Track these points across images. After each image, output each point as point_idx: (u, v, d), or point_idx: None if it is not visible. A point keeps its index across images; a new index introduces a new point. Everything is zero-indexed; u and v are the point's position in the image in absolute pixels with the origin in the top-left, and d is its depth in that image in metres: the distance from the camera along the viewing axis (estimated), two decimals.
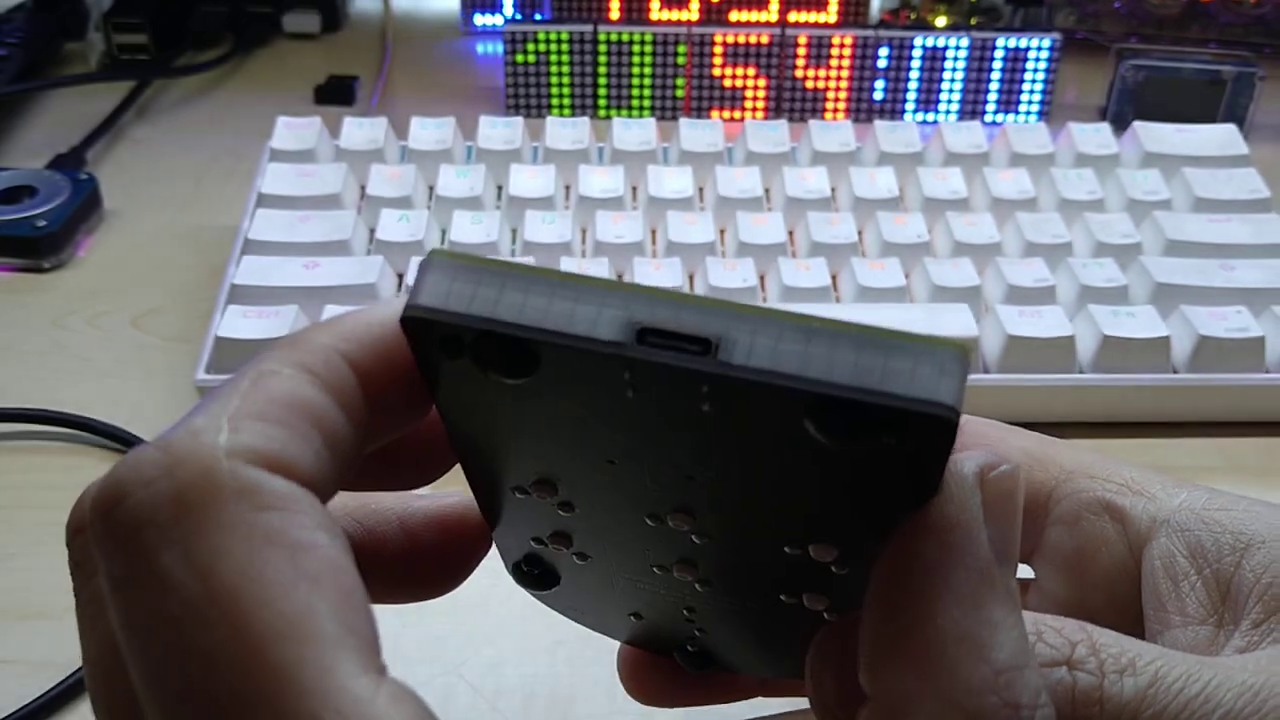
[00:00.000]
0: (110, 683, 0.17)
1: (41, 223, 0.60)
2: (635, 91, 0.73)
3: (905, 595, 0.18)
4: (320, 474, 0.17)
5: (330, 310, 0.51)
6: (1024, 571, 0.25)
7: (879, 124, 0.64)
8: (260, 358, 0.18)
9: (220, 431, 0.16)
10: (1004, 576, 0.18)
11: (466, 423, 0.20)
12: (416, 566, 0.23)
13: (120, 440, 0.49)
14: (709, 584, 0.23)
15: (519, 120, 0.64)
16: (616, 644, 0.30)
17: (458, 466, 0.23)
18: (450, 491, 0.24)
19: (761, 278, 0.55)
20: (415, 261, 0.55)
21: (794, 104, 0.73)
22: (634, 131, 0.63)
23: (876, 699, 0.19)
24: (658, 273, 0.54)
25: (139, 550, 0.16)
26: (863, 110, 0.73)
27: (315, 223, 0.56)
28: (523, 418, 0.19)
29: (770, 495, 0.19)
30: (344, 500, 0.20)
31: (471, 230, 0.56)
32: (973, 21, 0.78)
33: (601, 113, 0.73)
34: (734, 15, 0.77)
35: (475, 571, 0.25)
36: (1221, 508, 0.24)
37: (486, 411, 0.19)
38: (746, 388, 0.16)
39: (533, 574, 0.25)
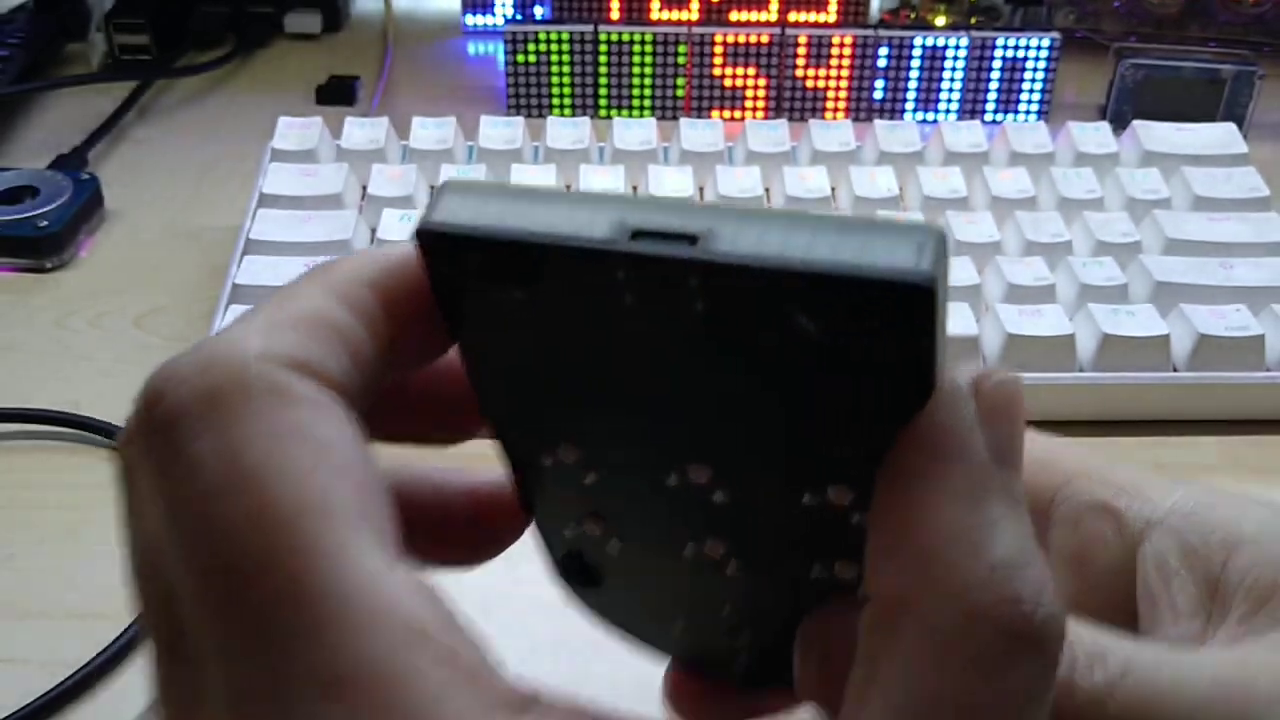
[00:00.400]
0: (151, 580, 0.18)
1: (43, 223, 0.60)
2: (636, 91, 0.73)
3: (902, 498, 0.18)
4: (345, 381, 0.18)
5: None
6: None
7: (879, 123, 0.64)
8: (289, 283, 0.20)
9: (251, 338, 0.18)
10: (1003, 478, 0.18)
11: (483, 360, 0.21)
12: (447, 534, 0.23)
13: None
14: (739, 559, 0.23)
15: (520, 120, 0.64)
16: (620, 643, 0.30)
17: (490, 458, 0.23)
18: (487, 470, 0.25)
19: None
20: None
21: (794, 103, 0.73)
22: (634, 131, 0.63)
23: (875, 601, 0.19)
24: None
25: (175, 441, 0.17)
26: (862, 110, 0.73)
27: (317, 223, 0.56)
28: (533, 348, 0.20)
29: (773, 421, 0.19)
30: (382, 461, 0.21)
31: None
32: (972, 21, 0.78)
33: (602, 113, 0.73)
34: (734, 15, 0.78)
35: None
36: (1211, 506, 0.24)
37: (500, 342, 0.20)
38: (732, 274, 0.17)
39: (574, 570, 0.25)
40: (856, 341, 0.17)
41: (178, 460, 0.17)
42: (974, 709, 0.17)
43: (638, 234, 0.17)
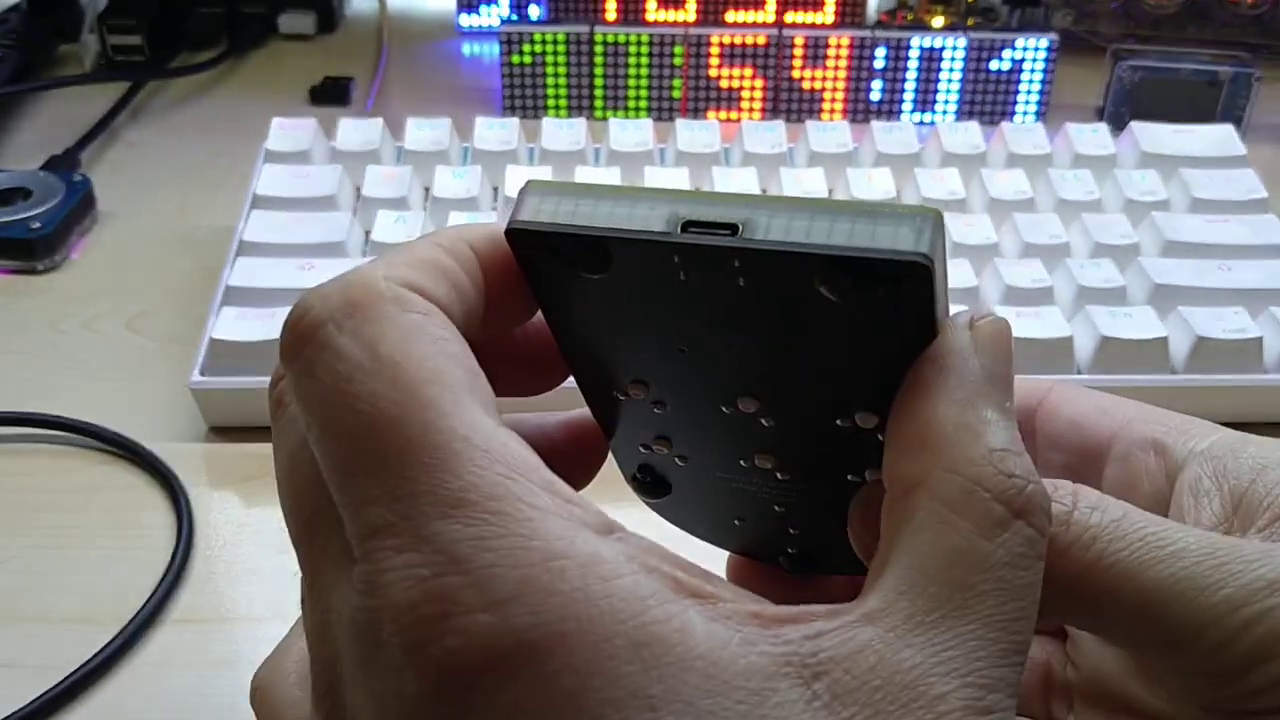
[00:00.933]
0: (295, 479, 0.22)
1: (36, 225, 0.59)
2: (632, 92, 0.73)
3: (913, 403, 0.22)
4: (448, 305, 0.22)
5: None
6: None
7: (876, 125, 0.64)
8: (404, 243, 0.24)
9: (378, 268, 0.22)
10: (996, 392, 0.22)
11: (566, 322, 0.25)
12: (551, 463, 0.25)
13: (115, 444, 0.49)
14: (787, 470, 0.26)
15: (515, 121, 0.64)
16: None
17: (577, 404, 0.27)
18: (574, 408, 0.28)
19: None
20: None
21: (791, 104, 0.73)
22: (631, 132, 0.63)
23: (892, 487, 0.22)
24: None
25: (321, 340, 0.21)
26: (860, 111, 0.73)
27: (310, 224, 0.56)
28: (607, 313, 0.24)
29: (809, 364, 0.23)
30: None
31: None
32: (970, 22, 0.78)
33: (598, 113, 0.73)
34: (730, 16, 0.77)
35: None
36: (1250, 441, 0.27)
37: (579, 309, 0.24)
38: (766, 258, 0.21)
39: (647, 482, 0.29)
40: (872, 306, 0.21)
41: (323, 353, 0.20)
42: (984, 565, 0.21)
43: (688, 225, 0.21)
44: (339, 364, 0.20)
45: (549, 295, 0.24)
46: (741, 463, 0.27)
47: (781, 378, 0.24)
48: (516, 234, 0.23)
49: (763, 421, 0.25)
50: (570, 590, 0.18)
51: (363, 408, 0.20)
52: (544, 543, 0.19)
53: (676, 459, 0.28)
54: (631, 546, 0.20)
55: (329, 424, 0.20)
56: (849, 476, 0.26)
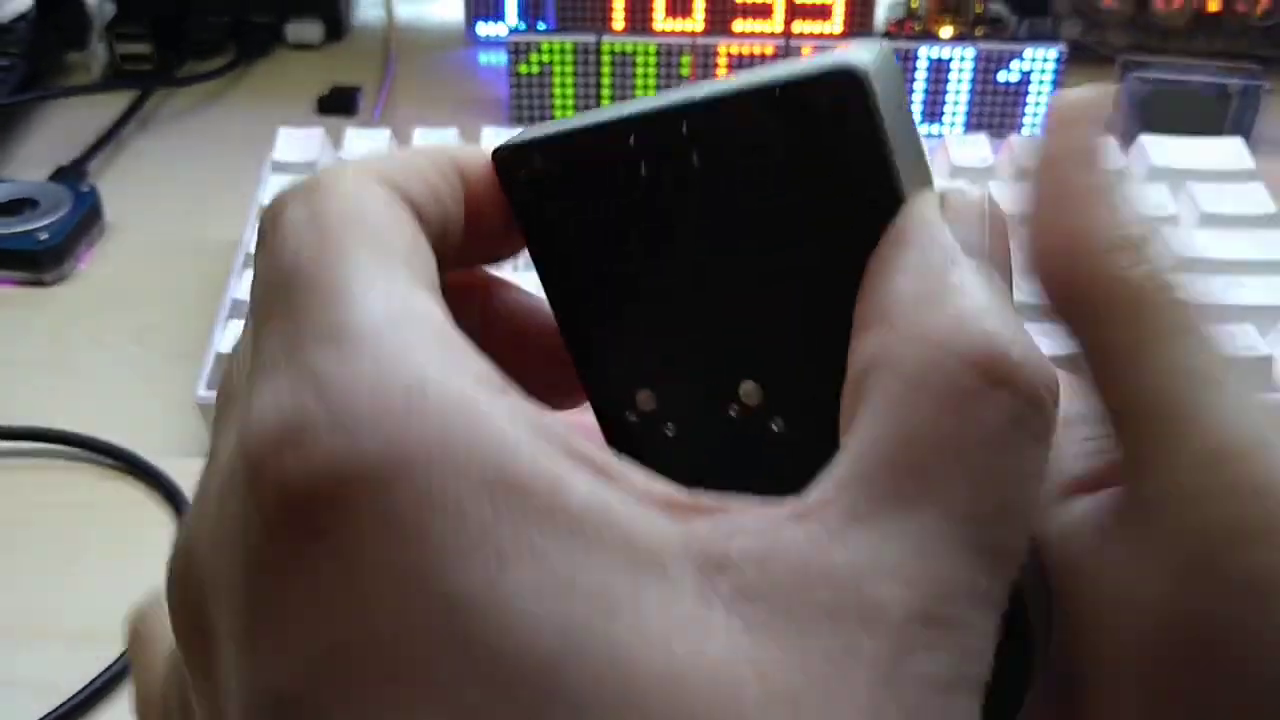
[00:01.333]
0: (224, 375, 0.21)
1: (43, 235, 0.59)
2: None
3: (870, 283, 0.19)
4: (422, 205, 0.21)
5: None
6: None
7: None
8: None
9: (351, 164, 0.21)
10: (974, 260, 0.19)
11: (553, 271, 0.24)
12: None
13: (121, 458, 0.49)
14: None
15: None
16: None
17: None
18: None
19: None
20: None
21: None
22: None
23: (849, 370, 0.19)
24: None
25: (277, 220, 0.20)
26: None
27: None
28: (588, 258, 0.23)
29: (799, 313, 0.21)
30: None
31: None
32: (978, 32, 0.78)
33: None
34: (738, 25, 0.77)
35: None
36: None
37: (561, 244, 0.24)
38: (705, 107, 0.20)
39: None
40: (818, 149, 0.20)
41: (276, 226, 0.20)
42: (947, 446, 0.17)
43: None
44: (283, 226, 0.20)
45: (532, 220, 0.24)
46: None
47: (775, 344, 0.22)
48: (497, 152, 0.23)
49: (774, 427, 0.23)
50: (427, 422, 0.17)
51: (286, 260, 0.19)
52: (412, 374, 0.17)
53: None
54: (522, 404, 0.17)
55: (256, 284, 0.20)
56: None
